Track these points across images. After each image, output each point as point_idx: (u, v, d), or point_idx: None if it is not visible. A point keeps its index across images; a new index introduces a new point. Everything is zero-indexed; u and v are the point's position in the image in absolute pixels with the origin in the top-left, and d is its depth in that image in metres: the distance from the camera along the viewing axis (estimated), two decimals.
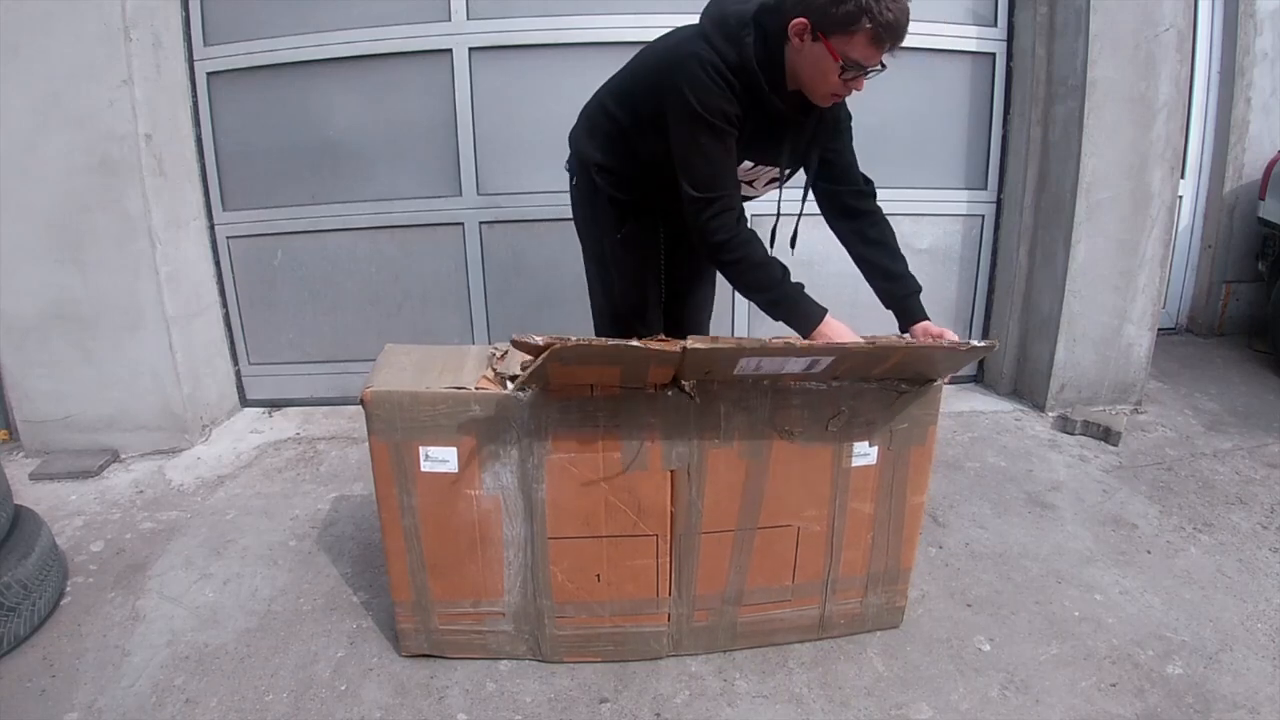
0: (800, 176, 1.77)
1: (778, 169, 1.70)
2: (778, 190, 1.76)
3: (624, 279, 1.89)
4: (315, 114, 2.81)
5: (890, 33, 1.42)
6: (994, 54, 2.91)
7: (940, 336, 1.61)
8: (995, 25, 2.89)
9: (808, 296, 1.62)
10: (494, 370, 1.55)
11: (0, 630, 1.69)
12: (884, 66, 1.50)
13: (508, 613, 1.64)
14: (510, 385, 1.49)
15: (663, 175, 1.65)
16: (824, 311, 1.61)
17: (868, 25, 1.40)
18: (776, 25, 1.50)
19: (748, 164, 1.67)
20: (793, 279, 1.62)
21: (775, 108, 1.56)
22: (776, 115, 1.58)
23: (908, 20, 1.42)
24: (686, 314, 2.08)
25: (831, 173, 1.75)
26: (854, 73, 1.47)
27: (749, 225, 1.66)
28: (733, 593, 1.66)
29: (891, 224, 1.80)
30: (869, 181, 1.79)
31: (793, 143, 1.66)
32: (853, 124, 1.78)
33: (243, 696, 1.60)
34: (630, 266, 1.87)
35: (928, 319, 1.70)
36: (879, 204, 1.79)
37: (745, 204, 1.74)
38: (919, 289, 1.73)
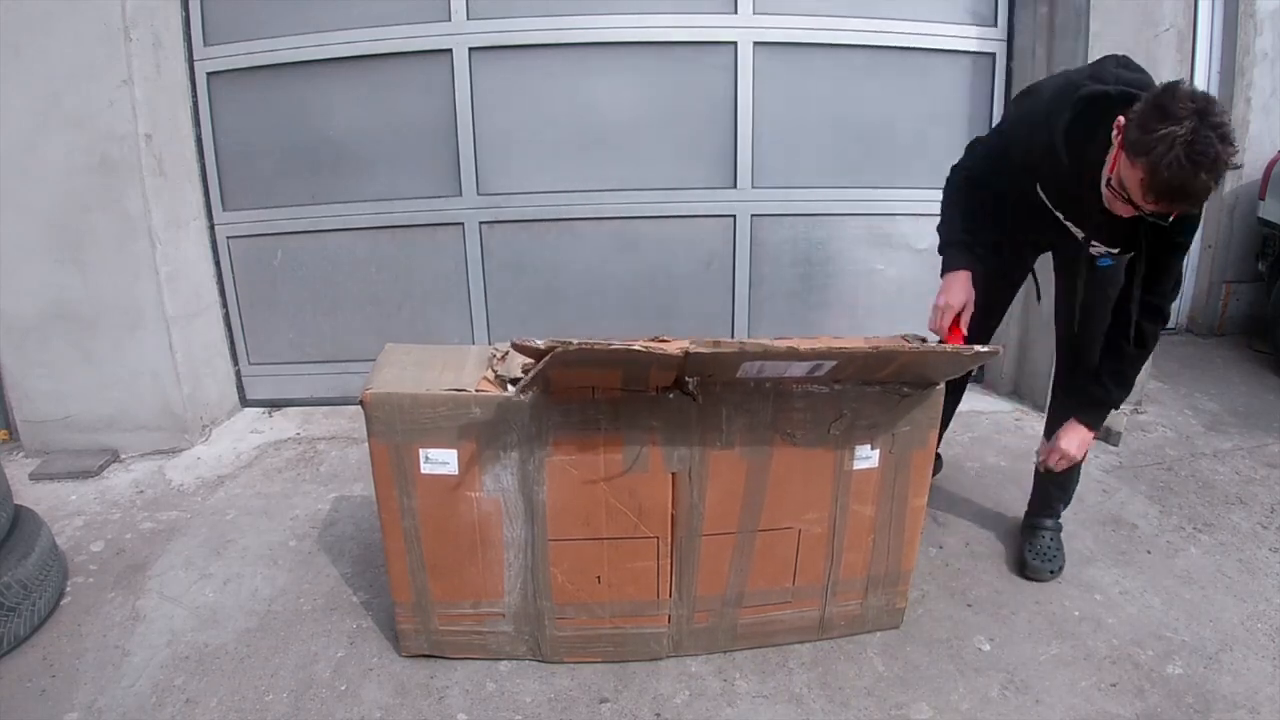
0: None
1: (1105, 246, 1.69)
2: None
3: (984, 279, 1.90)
4: (315, 114, 2.80)
5: (1159, 189, 1.34)
6: (994, 54, 2.90)
7: (1048, 454, 1.80)
8: (995, 25, 2.88)
9: (964, 247, 1.76)
10: (494, 372, 1.55)
11: (0, 630, 1.69)
12: (1167, 220, 1.44)
13: (508, 614, 1.64)
14: (511, 388, 1.49)
15: (1015, 216, 1.82)
16: (962, 268, 1.73)
17: (1142, 164, 1.34)
18: (1109, 110, 1.47)
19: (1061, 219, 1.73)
20: (967, 229, 1.77)
21: (1064, 177, 1.60)
22: (1072, 184, 1.61)
23: (1192, 192, 1.33)
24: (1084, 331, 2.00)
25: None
26: (1118, 193, 1.44)
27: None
28: (733, 595, 1.66)
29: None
30: (1150, 312, 1.67)
31: (1100, 220, 1.60)
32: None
33: (243, 696, 1.60)
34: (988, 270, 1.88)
35: (1060, 436, 1.79)
36: (1143, 331, 1.70)
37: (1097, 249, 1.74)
38: (1078, 412, 1.79)
